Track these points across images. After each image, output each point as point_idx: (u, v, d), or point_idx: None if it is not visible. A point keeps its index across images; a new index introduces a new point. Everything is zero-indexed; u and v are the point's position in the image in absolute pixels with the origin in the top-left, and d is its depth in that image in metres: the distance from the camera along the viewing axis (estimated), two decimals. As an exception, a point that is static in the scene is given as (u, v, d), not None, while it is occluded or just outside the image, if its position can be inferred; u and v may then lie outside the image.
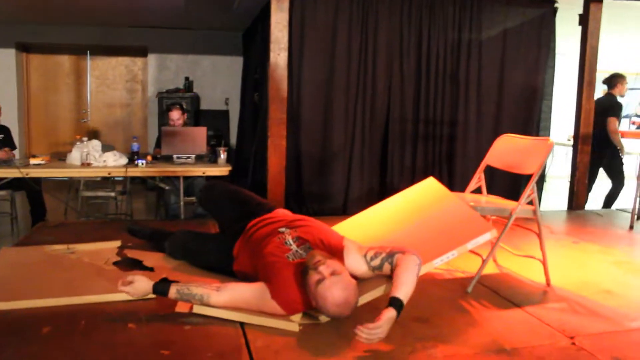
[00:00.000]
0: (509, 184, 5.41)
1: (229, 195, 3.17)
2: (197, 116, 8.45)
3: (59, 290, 2.63)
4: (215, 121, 8.38)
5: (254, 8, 6.34)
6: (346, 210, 5.18)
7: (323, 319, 2.41)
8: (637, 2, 5.72)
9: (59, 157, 5.13)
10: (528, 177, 3.16)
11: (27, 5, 6.89)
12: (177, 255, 3.14)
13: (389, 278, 2.48)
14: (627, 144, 6.51)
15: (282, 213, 2.96)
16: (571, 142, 6.05)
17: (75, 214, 5.69)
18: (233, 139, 8.58)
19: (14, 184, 4.91)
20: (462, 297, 2.89)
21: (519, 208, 3.07)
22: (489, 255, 3.05)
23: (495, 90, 5.59)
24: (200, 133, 5.20)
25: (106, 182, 5.86)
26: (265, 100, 5.06)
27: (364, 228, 3.19)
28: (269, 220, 2.79)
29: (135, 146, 5.06)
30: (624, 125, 9.97)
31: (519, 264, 3.44)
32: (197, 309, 2.40)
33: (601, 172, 6.08)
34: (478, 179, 3.52)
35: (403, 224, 3.08)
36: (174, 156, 5.02)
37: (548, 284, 3.15)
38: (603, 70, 6.29)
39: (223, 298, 2.41)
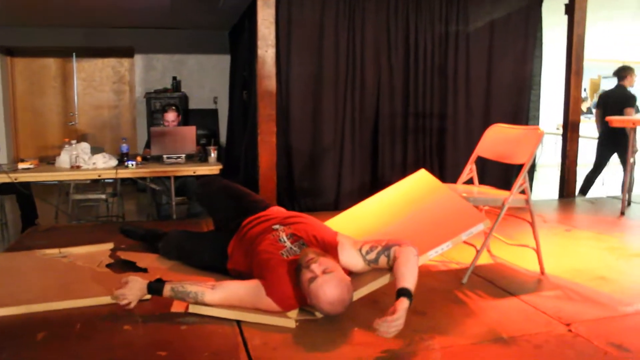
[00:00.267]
0: (500, 174, 5.43)
1: (224, 191, 3.16)
2: (185, 116, 8.40)
3: (53, 295, 2.61)
4: (204, 120, 8.35)
5: (239, 6, 6.32)
6: (338, 205, 5.18)
7: (319, 314, 2.41)
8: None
9: (48, 160, 5.09)
10: (519, 167, 3.17)
11: (10, 8, 6.82)
12: (171, 256, 3.12)
13: (384, 271, 2.48)
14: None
15: (277, 210, 2.95)
16: (560, 131, 6.08)
17: (66, 217, 5.65)
18: (222, 138, 8.56)
19: (3, 189, 4.87)
20: (458, 288, 2.89)
21: (511, 198, 3.07)
22: (483, 246, 3.05)
23: (483, 82, 5.61)
24: (190, 132, 5.18)
25: (96, 184, 5.82)
26: (254, 97, 5.05)
27: (356, 222, 3.19)
28: (263, 218, 2.78)
29: (124, 147, 5.03)
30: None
31: (513, 253, 3.45)
32: (193, 309, 2.38)
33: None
34: (470, 170, 3.53)
35: (396, 217, 3.07)
36: (164, 156, 4.99)
37: (542, 272, 3.16)
38: (590, 59, 6.33)
39: (218, 296, 2.40)
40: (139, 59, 8.76)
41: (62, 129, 8.93)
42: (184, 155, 5.04)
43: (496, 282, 2.99)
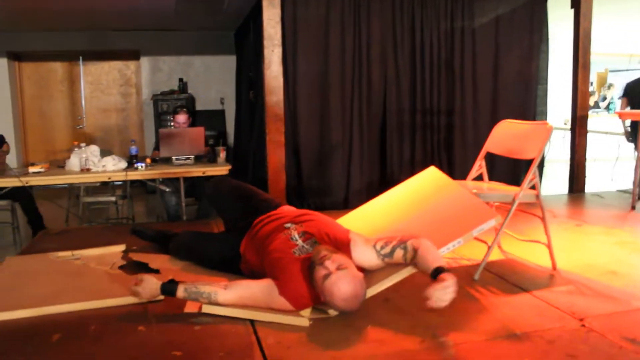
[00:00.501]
0: (509, 170, 5.43)
1: (235, 191, 3.17)
2: (193, 117, 8.41)
3: (67, 297, 2.63)
4: (211, 121, 8.36)
5: (244, 7, 6.32)
6: (347, 203, 5.19)
7: (332, 312, 2.42)
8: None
9: (57, 164, 5.12)
10: (528, 163, 3.16)
11: (17, 14, 6.86)
12: (183, 256, 3.13)
13: (398, 268, 2.49)
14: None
15: (288, 209, 2.96)
16: (568, 126, 6.06)
17: (76, 220, 5.67)
18: (230, 139, 8.57)
19: (12, 194, 4.89)
20: (470, 285, 2.89)
21: (521, 193, 3.07)
22: (494, 242, 3.05)
23: (490, 77, 5.60)
24: (198, 133, 5.18)
25: (106, 187, 5.84)
26: (261, 97, 5.06)
27: (367, 220, 3.19)
28: (274, 217, 2.79)
29: (133, 149, 5.05)
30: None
31: (524, 249, 3.44)
32: (206, 309, 2.39)
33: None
34: (479, 166, 3.52)
35: (406, 214, 3.08)
36: (173, 158, 5.00)
37: (554, 267, 3.15)
38: (597, 53, 6.31)
39: (231, 295, 2.41)
40: (145, 61, 8.79)
41: (70, 132, 8.97)
42: (192, 157, 5.05)
43: (508, 278, 2.99)
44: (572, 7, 5.63)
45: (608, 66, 10.22)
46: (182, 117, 5.47)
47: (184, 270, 2.97)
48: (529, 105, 5.72)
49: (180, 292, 2.40)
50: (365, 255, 2.54)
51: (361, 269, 2.47)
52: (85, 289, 2.75)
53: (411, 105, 5.46)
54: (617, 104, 10.23)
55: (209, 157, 5.20)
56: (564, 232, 4.07)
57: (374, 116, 5.38)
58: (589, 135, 5.77)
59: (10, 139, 5.70)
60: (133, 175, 4.76)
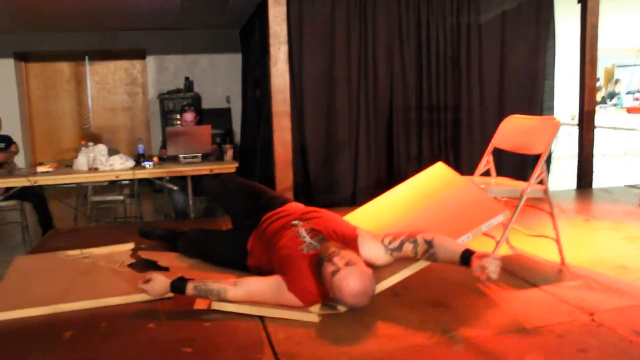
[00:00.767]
0: (516, 166, 5.41)
1: (241, 189, 3.17)
2: (200, 115, 8.44)
3: (77, 295, 2.64)
4: (217, 119, 8.37)
5: (249, 5, 6.33)
6: (355, 200, 5.18)
7: (342, 308, 2.42)
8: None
9: (65, 164, 5.14)
10: (535, 158, 3.15)
11: (23, 15, 6.89)
12: (191, 254, 3.14)
13: (406, 263, 2.49)
14: (633, 119, 6.50)
15: (295, 206, 2.96)
16: (575, 122, 6.04)
17: (85, 219, 5.70)
18: (237, 137, 8.58)
19: (23, 194, 4.92)
20: (479, 280, 2.87)
21: (529, 188, 3.06)
22: (502, 237, 3.05)
23: (497, 73, 5.58)
24: (205, 131, 5.20)
25: (113, 186, 5.87)
26: (268, 95, 5.06)
27: (374, 217, 3.19)
28: (281, 214, 2.79)
29: (141, 148, 5.07)
30: (628, 101, 9.97)
31: (532, 244, 3.44)
32: (216, 305, 2.40)
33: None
34: (486, 161, 3.52)
35: (415, 210, 3.08)
36: (180, 156, 5.02)
37: (563, 262, 3.15)
38: (604, 48, 6.28)
39: (240, 292, 2.41)
40: (151, 60, 8.82)
41: (77, 132, 9.02)
42: (200, 155, 5.06)
43: (517, 273, 2.98)
44: (579, 2, 5.61)
45: (615, 61, 10.17)
46: (189, 116, 5.49)
47: (192, 268, 2.98)
48: (536, 101, 5.70)
49: (190, 289, 2.41)
50: (373, 250, 2.54)
51: (369, 264, 2.48)
52: (95, 287, 2.77)
53: (418, 102, 5.45)
54: (624, 99, 10.19)
55: (216, 155, 5.23)
56: (573, 227, 4.06)
57: (381, 113, 5.38)
58: (596, 130, 5.74)
59: (17, 139, 5.74)
60: (141, 174, 4.78)
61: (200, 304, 2.47)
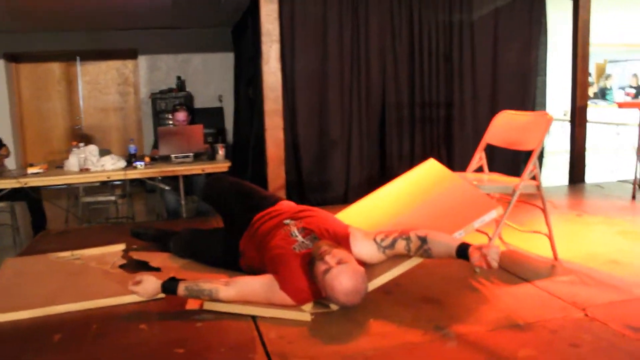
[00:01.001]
0: (509, 162, 5.42)
1: (232, 189, 3.15)
2: (192, 115, 8.41)
3: (68, 297, 2.62)
4: (210, 119, 8.35)
5: (241, 3, 6.31)
6: (347, 198, 5.17)
7: (334, 307, 2.41)
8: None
9: (56, 164, 5.11)
10: (527, 154, 3.15)
11: (13, 15, 6.84)
12: (183, 254, 3.12)
13: (398, 261, 2.49)
14: (624, 114, 6.51)
15: (287, 205, 2.95)
16: (567, 117, 6.05)
17: (76, 220, 5.67)
18: (229, 136, 8.56)
19: (14, 195, 4.88)
20: (471, 276, 2.88)
21: (522, 184, 3.06)
22: (495, 233, 3.04)
23: (489, 69, 5.58)
24: (197, 131, 5.18)
25: (105, 186, 5.83)
26: (260, 93, 5.04)
27: (367, 214, 3.18)
28: (273, 213, 2.78)
29: (132, 148, 5.04)
30: (620, 97, 10.00)
31: (525, 240, 3.44)
32: (208, 306, 2.39)
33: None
34: (479, 157, 3.51)
35: (407, 207, 3.07)
36: (172, 156, 5.00)
37: (555, 257, 3.15)
38: (596, 44, 6.29)
39: (232, 292, 2.40)
40: (142, 60, 8.78)
41: (68, 132, 8.96)
42: (192, 154, 5.04)
43: (510, 269, 2.98)
44: (570, -3, 5.62)
45: (607, 57, 10.20)
46: (181, 115, 5.47)
47: (184, 268, 2.97)
48: (528, 97, 5.71)
49: (181, 290, 2.39)
50: (366, 248, 2.53)
51: (362, 263, 2.47)
52: (86, 289, 2.74)
53: (410, 99, 5.44)
54: (616, 94, 10.23)
55: (208, 155, 5.20)
56: (565, 222, 4.07)
57: (373, 110, 5.37)
58: (588, 125, 5.75)
59: (8, 140, 5.71)
60: (132, 174, 4.76)
61: (192, 304, 2.46)
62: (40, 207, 5.25)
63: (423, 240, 2.44)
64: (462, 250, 2.33)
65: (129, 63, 9.01)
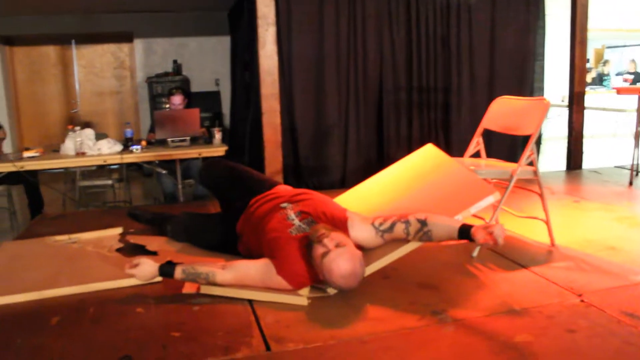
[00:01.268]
0: (506, 147, 5.42)
1: (229, 173, 3.14)
2: (188, 98, 8.37)
3: (65, 280, 2.62)
4: (206, 103, 8.30)
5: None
6: (345, 182, 5.16)
7: (331, 291, 2.41)
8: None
9: (52, 148, 5.08)
10: (525, 139, 3.14)
11: (8, -3, 6.77)
12: (180, 238, 3.11)
13: (396, 245, 2.48)
14: (622, 100, 6.48)
15: (284, 189, 2.94)
16: (565, 103, 6.03)
17: (73, 204, 5.66)
18: (226, 120, 8.53)
19: (11, 178, 4.86)
20: (468, 262, 2.89)
21: (519, 169, 3.05)
22: (492, 219, 3.04)
23: (487, 54, 5.55)
24: (194, 115, 5.15)
25: (102, 170, 5.82)
26: (256, 77, 5.01)
27: (364, 199, 3.18)
28: (270, 197, 2.77)
29: (128, 132, 5.02)
30: (617, 82, 9.98)
31: (522, 225, 3.44)
32: (205, 289, 2.40)
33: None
34: (476, 143, 3.51)
35: (404, 192, 3.06)
36: (169, 140, 4.98)
37: (552, 243, 3.15)
38: (594, 29, 6.26)
39: (229, 276, 2.40)
40: (138, 43, 8.71)
41: (64, 116, 8.91)
42: (188, 138, 5.02)
43: (507, 255, 2.98)
44: (569, -19, 5.58)
45: (605, 42, 10.17)
46: (177, 99, 5.44)
47: (181, 252, 2.96)
48: (526, 82, 5.69)
49: (178, 273, 2.39)
50: (364, 232, 2.53)
51: (359, 247, 2.46)
52: (83, 272, 2.74)
53: (407, 83, 5.42)
54: (614, 80, 10.21)
55: (205, 139, 5.19)
56: (562, 208, 4.07)
57: (370, 94, 5.35)
58: (586, 111, 5.74)
59: (4, 124, 5.66)
60: (129, 158, 4.74)
61: (188, 288, 2.46)
62: (37, 190, 5.23)
63: (423, 222, 2.44)
64: (465, 231, 2.33)
65: (125, 47, 8.93)
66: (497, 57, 5.57)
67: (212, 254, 2.87)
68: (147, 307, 2.36)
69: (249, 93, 6.17)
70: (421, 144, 3.50)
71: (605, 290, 2.51)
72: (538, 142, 5.75)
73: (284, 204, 2.67)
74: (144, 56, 8.73)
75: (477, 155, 3.53)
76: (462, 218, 2.61)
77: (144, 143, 4.93)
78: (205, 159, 4.81)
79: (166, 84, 8.13)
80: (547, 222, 3.16)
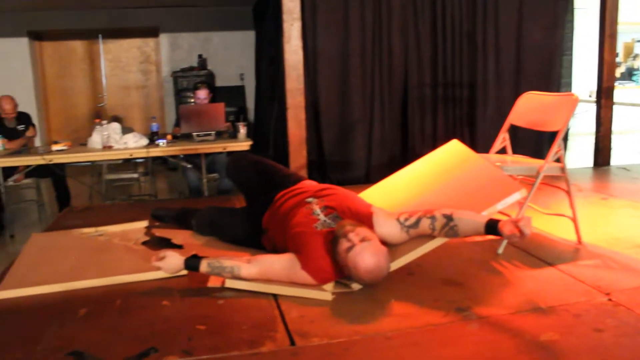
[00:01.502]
0: (532, 143, 5.35)
1: (256, 167, 3.15)
2: (213, 93, 8.43)
3: (93, 272, 2.65)
4: (231, 97, 8.35)
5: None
6: (369, 178, 5.16)
7: (355, 286, 2.41)
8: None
9: (79, 142, 5.16)
10: (551, 136, 3.10)
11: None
12: (205, 232, 3.14)
13: (421, 241, 2.47)
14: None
15: (309, 184, 2.94)
16: (593, 98, 5.93)
17: (100, 197, 5.74)
18: (250, 114, 8.57)
19: (40, 171, 4.95)
20: (494, 259, 2.87)
21: (546, 166, 3.01)
22: (518, 216, 3.00)
23: (513, 48, 5.48)
24: (219, 109, 5.19)
25: (128, 164, 5.89)
26: (282, 72, 5.02)
27: (389, 194, 3.17)
28: (296, 192, 2.78)
29: (154, 126, 5.07)
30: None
31: (549, 222, 3.39)
32: (229, 283, 2.41)
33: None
34: (502, 139, 3.47)
35: (429, 187, 3.04)
36: (194, 134, 5.02)
37: (579, 241, 3.11)
38: (624, 22, 6.14)
39: (254, 270, 2.41)
40: (164, 38, 8.79)
41: (91, 110, 9.04)
42: (213, 133, 5.05)
43: (532, 252, 2.95)
44: (598, -26, 5.48)
45: (635, 36, 9.96)
46: (202, 93, 5.47)
47: (206, 246, 2.98)
48: (553, 77, 5.60)
49: (204, 267, 2.41)
50: (388, 228, 2.52)
51: (385, 242, 2.46)
52: (110, 265, 2.78)
53: (432, 79, 5.38)
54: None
55: (230, 133, 5.22)
56: (590, 205, 4.01)
57: (395, 90, 5.32)
58: (614, 107, 5.64)
59: (33, 118, 5.76)
60: (154, 152, 4.79)
61: (213, 282, 2.48)
62: (64, 183, 5.32)
63: (449, 218, 2.42)
64: (492, 226, 2.31)
65: (151, 41, 9.02)
66: (524, 52, 5.49)
67: (236, 248, 2.89)
68: (172, 300, 2.38)
69: (273, 88, 6.19)
70: (446, 139, 3.47)
71: (633, 289, 2.46)
72: (565, 138, 5.67)
73: (309, 199, 2.67)
74: (170, 51, 8.81)
75: (503, 151, 3.49)
76: (487, 215, 2.59)
77: (169, 137, 4.98)
78: (230, 153, 4.84)
79: (191, 78, 8.19)
80: (574, 220, 3.11)
